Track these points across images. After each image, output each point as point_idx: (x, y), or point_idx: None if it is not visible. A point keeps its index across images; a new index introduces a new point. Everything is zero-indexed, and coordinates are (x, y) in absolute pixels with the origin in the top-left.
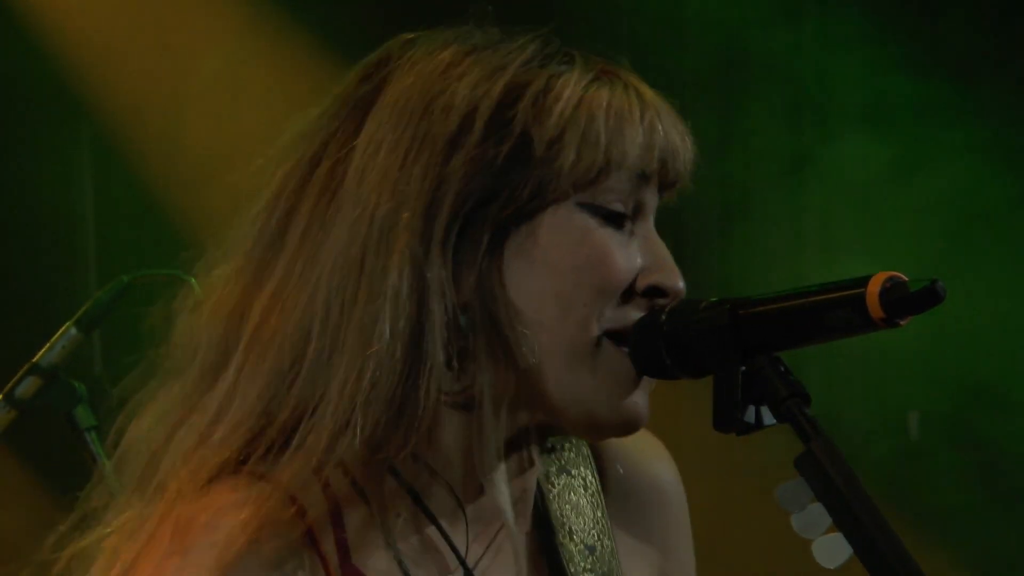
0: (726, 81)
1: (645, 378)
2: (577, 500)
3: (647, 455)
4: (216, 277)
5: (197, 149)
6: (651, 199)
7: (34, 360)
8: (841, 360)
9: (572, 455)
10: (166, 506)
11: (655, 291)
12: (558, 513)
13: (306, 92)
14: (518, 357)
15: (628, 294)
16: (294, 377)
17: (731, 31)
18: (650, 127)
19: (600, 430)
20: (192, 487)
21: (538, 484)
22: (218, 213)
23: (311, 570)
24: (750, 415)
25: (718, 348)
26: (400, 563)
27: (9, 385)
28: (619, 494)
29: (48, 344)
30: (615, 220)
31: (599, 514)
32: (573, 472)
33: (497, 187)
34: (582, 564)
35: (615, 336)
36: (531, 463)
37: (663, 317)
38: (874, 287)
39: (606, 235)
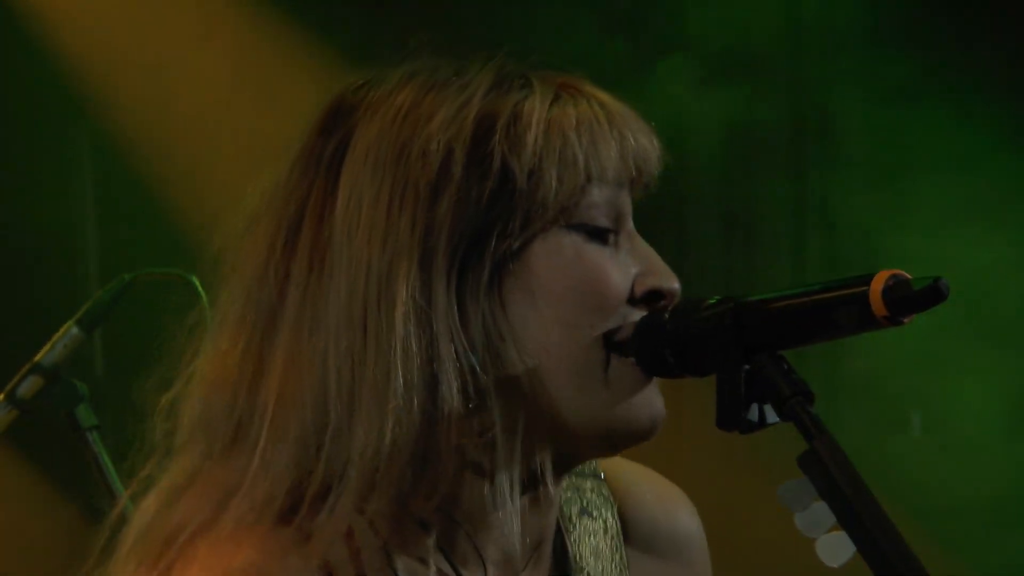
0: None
1: (654, 379)
2: (597, 543)
3: (671, 503)
4: (212, 349)
5: (198, 148)
6: (627, 203)
7: (35, 359)
8: (844, 357)
9: (594, 496)
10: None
11: (653, 295)
12: (577, 556)
13: (309, 92)
14: (528, 388)
15: (629, 304)
16: (319, 445)
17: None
18: (620, 136)
19: (618, 443)
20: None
21: (558, 525)
22: (219, 212)
23: None
24: (753, 413)
25: (721, 347)
26: None
27: (11, 385)
28: (641, 540)
29: (49, 343)
30: (601, 235)
31: (618, 558)
32: (595, 514)
33: (487, 225)
34: None
35: (619, 349)
36: (549, 503)
37: (666, 316)
38: (877, 285)
39: (596, 252)
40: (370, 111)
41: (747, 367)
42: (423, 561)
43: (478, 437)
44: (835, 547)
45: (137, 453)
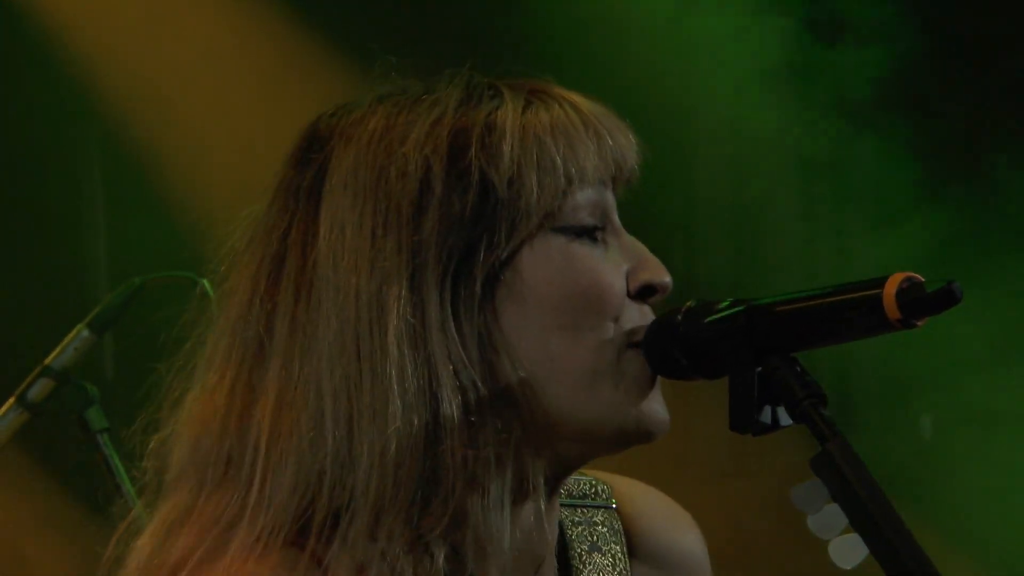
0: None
1: (658, 379)
2: None
3: (677, 527)
4: (199, 387)
5: (208, 150)
6: (611, 201)
7: (46, 362)
8: (856, 360)
9: (605, 531)
10: None
11: (646, 290)
12: None
13: (321, 92)
14: (532, 396)
15: (627, 300)
16: (320, 472)
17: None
18: (597, 136)
19: (629, 439)
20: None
21: (569, 562)
22: (229, 214)
23: None
24: (766, 416)
25: (734, 349)
26: None
27: (21, 387)
28: (649, 563)
29: (60, 346)
30: (589, 234)
31: None
32: (604, 549)
33: (473, 238)
34: None
35: (635, 346)
36: (552, 510)
37: (679, 318)
38: (891, 288)
39: (586, 252)
40: (344, 138)
41: (759, 369)
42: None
43: (482, 451)
44: (848, 549)
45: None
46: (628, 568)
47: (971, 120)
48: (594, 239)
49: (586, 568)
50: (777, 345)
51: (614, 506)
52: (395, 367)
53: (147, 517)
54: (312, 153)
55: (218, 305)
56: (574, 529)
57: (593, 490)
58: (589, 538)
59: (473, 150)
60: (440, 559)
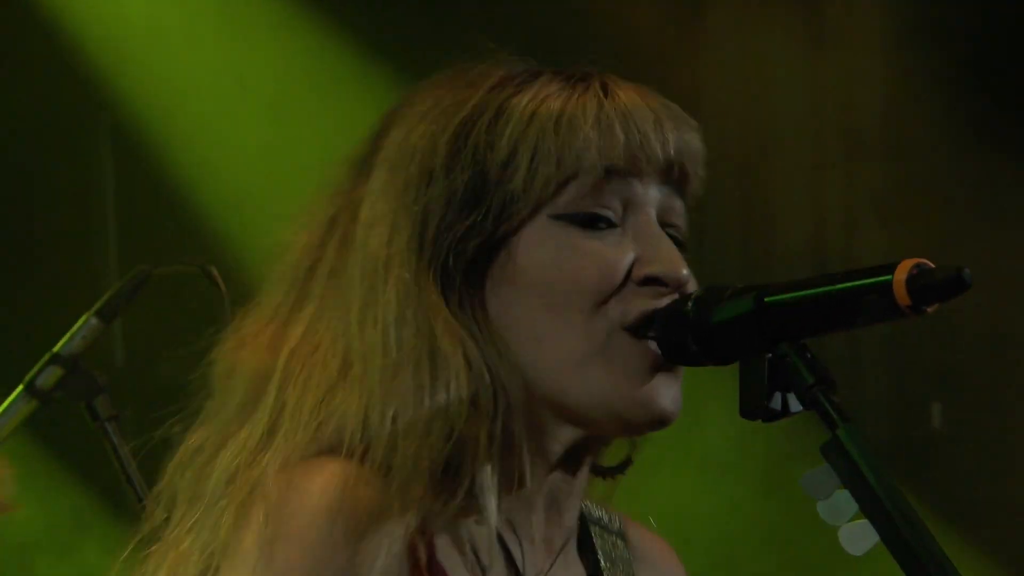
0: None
1: (677, 368)
2: None
3: (661, 556)
4: (242, 323)
5: (218, 140)
6: (645, 193)
7: (55, 350)
8: (866, 347)
9: (622, 552)
10: (243, 492)
11: (653, 281)
12: None
13: (328, 89)
14: (528, 373)
15: (627, 284)
16: (336, 418)
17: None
18: (607, 125)
19: (628, 425)
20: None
21: (594, 551)
22: (239, 203)
23: (402, 546)
24: (776, 402)
25: (744, 335)
26: (480, 566)
27: (30, 375)
28: None
29: (69, 334)
30: (595, 223)
31: None
32: (620, 566)
33: (465, 219)
34: None
35: (630, 330)
36: (571, 492)
37: (689, 304)
38: (901, 274)
39: (585, 239)
40: (398, 117)
41: (770, 356)
42: (468, 513)
43: (490, 423)
44: (858, 535)
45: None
46: None
47: None
48: (601, 227)
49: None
50: (787, 331)
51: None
52: (396, 338)
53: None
54: (376, 129)
55: (278, 254)
56: (600, 537)
57: (608, 518)
58: (612, 551)
59: (475, 132)
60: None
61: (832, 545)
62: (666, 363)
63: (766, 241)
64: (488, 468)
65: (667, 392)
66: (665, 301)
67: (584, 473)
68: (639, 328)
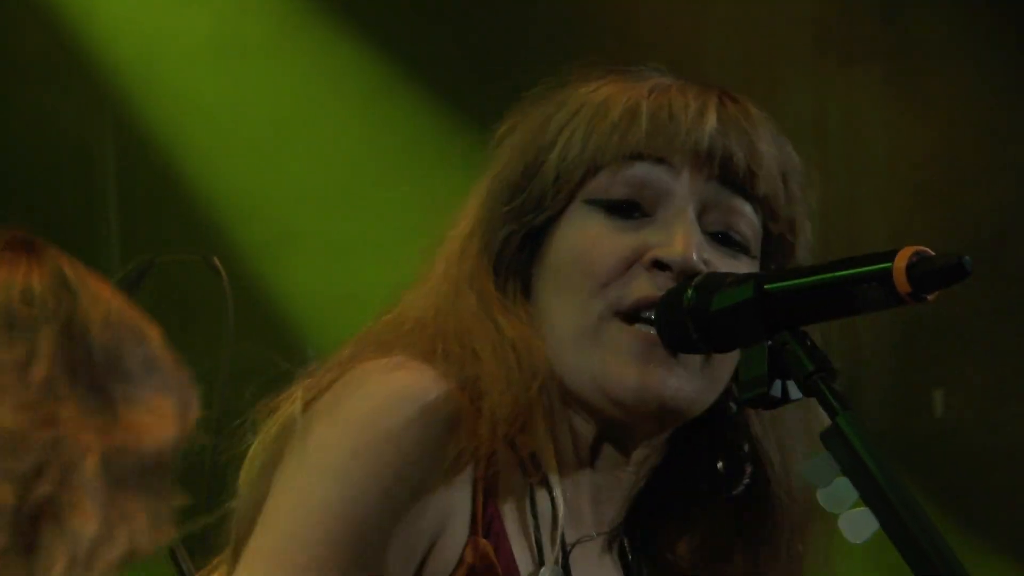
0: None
1: (682, 356)
2: None
3: None
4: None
5: (221, 130)
6: (677, 184)
7: None
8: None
9: None
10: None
11: (657, 264)
12: None
13: (329, 80)
14: (551, 353)
15: (632, 270)
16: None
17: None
18: (635, 113)
19: (622, 407)
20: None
21: None
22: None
23: (469, 476)
24: (776, 389)
25: (744, 323)
26: (536, 525)
27: None
28: None
29: None
30: (622, 209)
31: None
32: None
33: (515, 209)
34: None
35: (623, 315)
36: (614, 478)
37: (689, 292)
38: (901, 261)
39: (605, 223)
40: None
41: (770, 343)
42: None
43: (512, 399)
44: (858, 523)
45: None
46: None
47: None
48: (628, 214)
49: None
50: (787, 319)
51: None
52: (462, 298)
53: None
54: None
55: None
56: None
57: None
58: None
59: (539, 124)
60: (528, 459)
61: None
62: (665, 350)
63: None
64: (544, 430)
65: (663, 377)
66: (667, 288)
67: (636, 472)
68: (631, 314)
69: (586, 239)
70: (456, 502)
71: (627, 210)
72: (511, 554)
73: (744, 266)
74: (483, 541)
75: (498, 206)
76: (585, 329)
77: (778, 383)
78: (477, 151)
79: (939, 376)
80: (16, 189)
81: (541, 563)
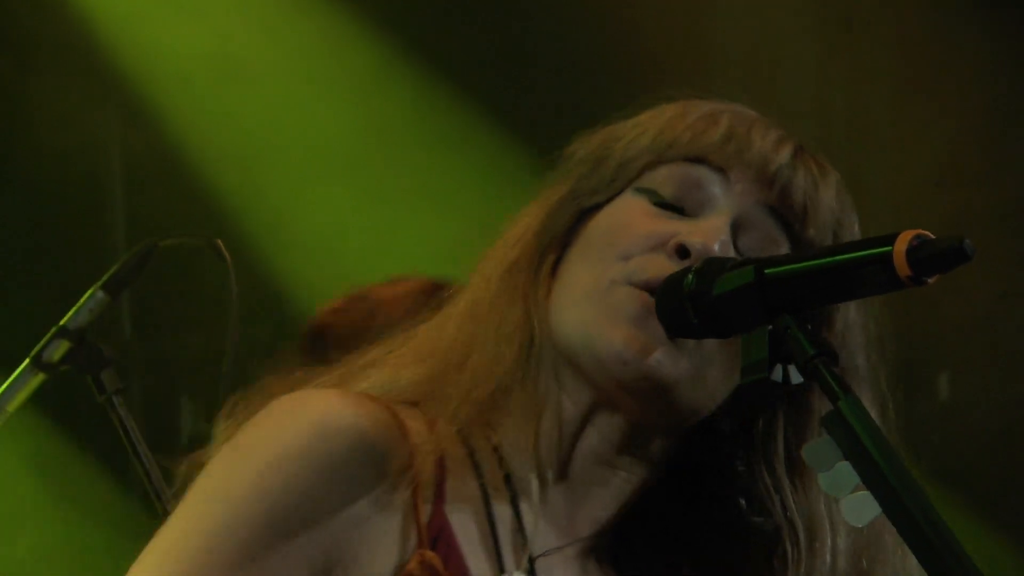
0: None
1: (676, 340)
2: None
3: None
4: None
5: (227, 113)
6: (728, 195)
7: (61, 323)
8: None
9: None
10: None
11: (679, 250)
12: None
13: (335, 66)
14: (558, 324)
15: (655, 252)
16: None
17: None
18: (713, 120)
19: (600, 362)
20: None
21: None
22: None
23: (401, 493)
24: (777, 374)
25: (745, 307)
26: (493, 531)
27: (37, 348)
28: None
29: (75, 307)
30: (667, 206)
31: None
32: None
33: (567, 197)
34: None
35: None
36: (592, 496)
37: (689, 276)
38: (901, 245)
39: (646, 209)
40: None
41: (770, 327)
42: (494, 471)
43: (524, 386)
44: (860, 507)
45: None
46: None
47: None
48: (672, 210)
49: None
50: (788, 303)
51: None
52: (495, 306)
53: None
54: None
55: None
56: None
57: None
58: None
59: (607, 134)
60: (489, 461)
61: None
62: (652, 324)
63: None
64: (516, 421)
65: (649, 346)
66: None
67: (617, 477)
68: (642, 287)
69: (623, 217)
70: (379, 522)
71: (671, 208)
72: (464, 565)
73: None
74: (429, 553)
75: (563, 197)
76: (594, 290)
77: (779, 367)
78: (481, 135)
79: (944, 359)
80: (21, 174)
81: (502, 571)
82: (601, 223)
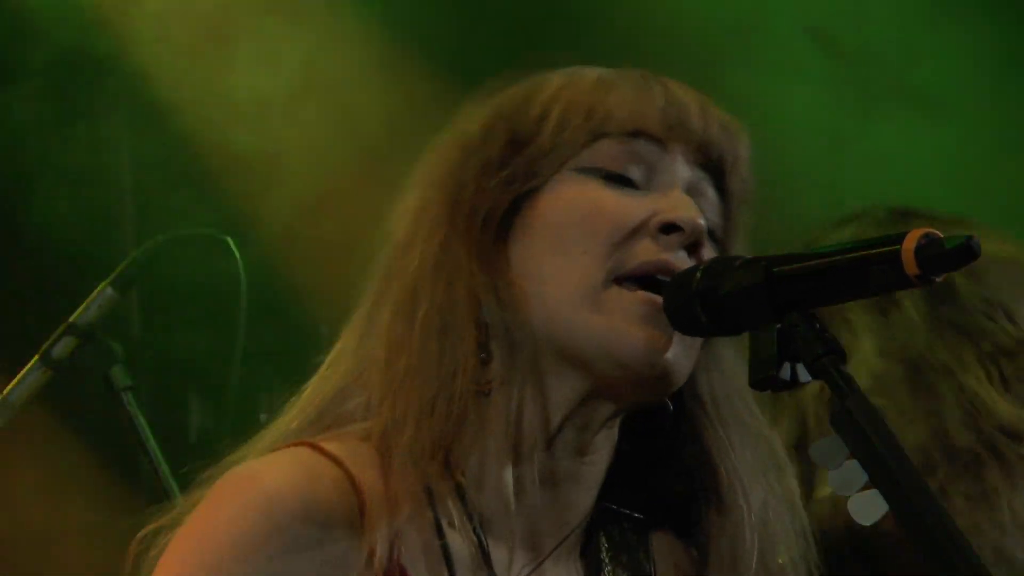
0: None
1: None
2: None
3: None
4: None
5: (234, 108)
6: (673, 166)
7: (70, 320)
8: None
9: (633, 538)
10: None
11: (670, 227)
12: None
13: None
14: (535, 317)
15: (637, 235)
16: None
17: None
18: (647, 90)
19: (624, 367)
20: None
21: (596, 554)
22: (255, 173)
23: (355, 547)
24: (786, 372)
25: (753, 306)
26: (447, 565)
27: (46, 345)
28: None
29: (84, 304)
30: (618, 180)
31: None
32: (631, 553)
33: (497, 182)
34: None
35: (627, 279)
36: (577, 470)
37: (698, 274)
38: (909, 243)
39: (603, 188)
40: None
41: (779, 326)
42: (448, 505)
43: (487, 386)
44: (867, 505)
45: None
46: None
47: None
48: (624, 185)
49: (612, 564)
50: (796, 301)
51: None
52: (421, 273)
53: None
54: None
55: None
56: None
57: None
58: (618, 538)
59: (512, 104)
60: (448, 495)
61: None
62: (663, 320)
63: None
64: (485, 448)
65: (667, 342)
66: (676, 254)
67: (594, 464)
68: (633, 279)
69: (589, 201)
70: None
71: (621, 181)
72: None
73: (709, 251)
74: None
75: (480, 181)
76: (585, 294)
77: (787, 366)
78: None
79: None
80: (31, 169)
81: None
82: (557, 208)
